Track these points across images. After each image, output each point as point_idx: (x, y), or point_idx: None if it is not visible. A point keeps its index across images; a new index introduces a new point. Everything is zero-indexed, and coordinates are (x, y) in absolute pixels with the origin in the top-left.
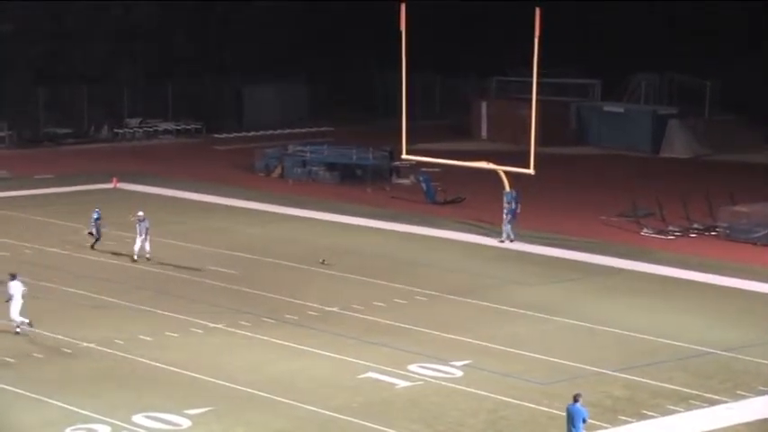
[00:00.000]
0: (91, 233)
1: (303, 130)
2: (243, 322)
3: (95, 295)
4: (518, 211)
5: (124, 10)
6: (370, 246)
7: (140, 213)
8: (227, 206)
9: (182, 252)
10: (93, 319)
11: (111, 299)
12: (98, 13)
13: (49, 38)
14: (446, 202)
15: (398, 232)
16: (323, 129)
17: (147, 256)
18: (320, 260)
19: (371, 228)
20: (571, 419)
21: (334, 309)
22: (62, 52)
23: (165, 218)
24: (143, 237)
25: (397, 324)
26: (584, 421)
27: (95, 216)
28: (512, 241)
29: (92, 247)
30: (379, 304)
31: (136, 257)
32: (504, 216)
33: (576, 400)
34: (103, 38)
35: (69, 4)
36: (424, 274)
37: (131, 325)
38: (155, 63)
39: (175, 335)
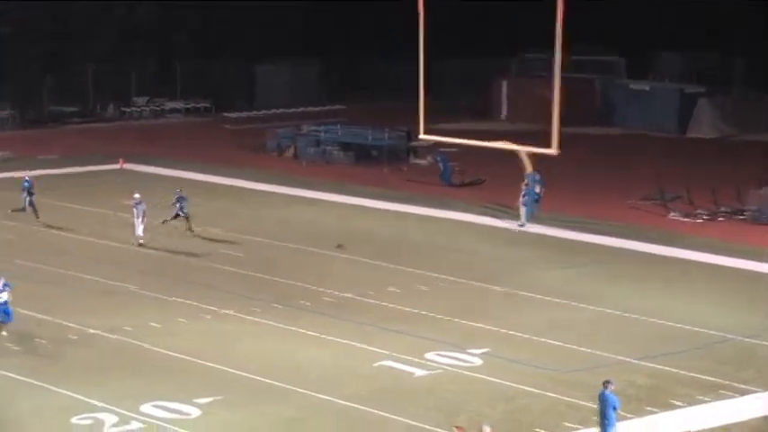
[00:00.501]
0: (177, 215)
1: (315, 109)
2: (254, 308)
3: (103, 280)
4: (542, 194)
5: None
6: (386, 229)
7: (136, 196)
8: (237, 188)
9: (190, 236)
10: (101, 305)
11: (118, 284)
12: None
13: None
14: (464, 185)
15: (416, 215)
16: (335, 107)
17: (141, 241)
18: (336, 245)
19: (388, 210)
20: (602, 407)
21: (350, 295)
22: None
23: (173, 200)
24: (140, 219)
25: (413, 310)
26: (614, 409)
27: (177, 196)
28: (522, 226)
29: (189, 229)
30: (396, 290)
31: (142, 241)
32: (521, 198)
33: (605, 386)
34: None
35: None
36: (442, 259)
37: (139, 311)
38: (166, 41)
39: (184, 321)
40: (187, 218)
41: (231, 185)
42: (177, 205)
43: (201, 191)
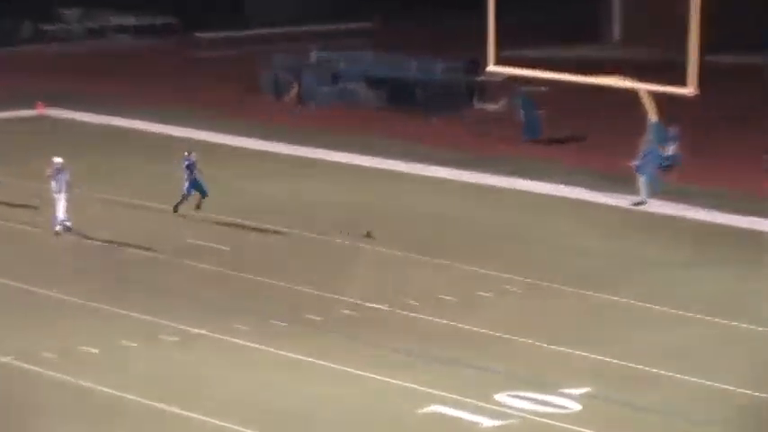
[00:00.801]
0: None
1: (329, 28)
2: (240, 326)
3: (13, 283)
4: (675, 156)
5: None
6: (435, 207)
7: (58, 160)
8: (217, 146)
9: (149, 219)
10: (10, 321)
11: (36, 289)
12: None
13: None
14: (555, 142)
15: (479, 187)
16: (355, 25)
17: (68, 224)
18: (362, 232)
19: (438, 180)
20: None
21: (381, 306)
22: None
23: (119, 165)
24: (62, 194)
25: (475, 329)
26: None
27: (186, 163)
28: (641, 204)
29: (197, 206)
30: (449, 299)
31: (58, 228)
32: (639, 161)
33: None
34: None
35: None
36: (519, 253)
37: (69, 330)
38: None
39: (135, 345)
40: (183, 196)
41: (209, 143)
42: (186, 174)
43: (163, 150)
